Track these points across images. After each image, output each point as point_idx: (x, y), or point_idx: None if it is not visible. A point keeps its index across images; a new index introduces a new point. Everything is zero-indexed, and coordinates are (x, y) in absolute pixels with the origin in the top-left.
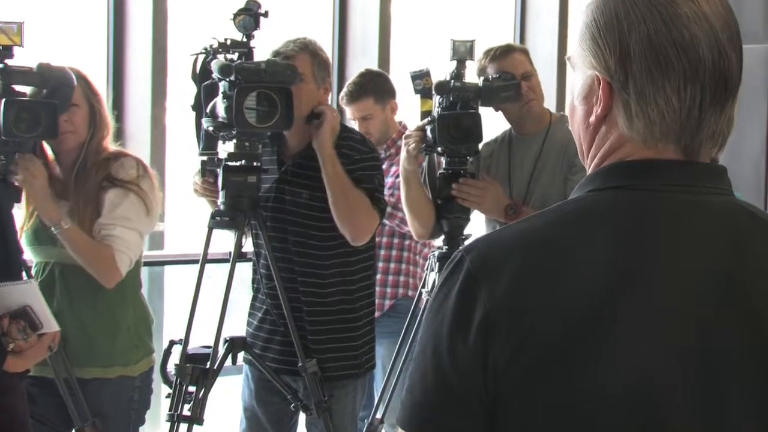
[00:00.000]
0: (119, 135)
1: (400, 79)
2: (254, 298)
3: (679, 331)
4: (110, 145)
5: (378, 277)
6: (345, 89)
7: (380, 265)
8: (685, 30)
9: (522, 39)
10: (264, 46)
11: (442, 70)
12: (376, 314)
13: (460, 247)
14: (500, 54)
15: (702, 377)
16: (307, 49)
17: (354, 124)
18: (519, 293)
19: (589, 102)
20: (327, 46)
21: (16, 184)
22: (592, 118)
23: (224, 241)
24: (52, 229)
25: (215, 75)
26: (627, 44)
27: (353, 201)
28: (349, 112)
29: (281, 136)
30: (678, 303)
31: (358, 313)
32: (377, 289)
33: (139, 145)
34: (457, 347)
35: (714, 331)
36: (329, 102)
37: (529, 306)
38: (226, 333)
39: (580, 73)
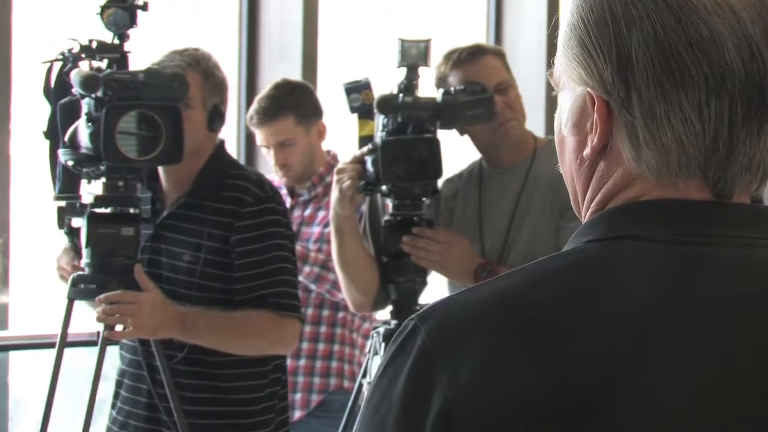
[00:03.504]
0: None
1: (330, 92)
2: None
3: (694, 419)
4: None
5: (302, 363)
6: (255, 105)
7: (305, 346)
8: (702, 25)
9: (498, 36)
10: (143, 51)
11: (387, 81)
12: (299, 414)
13: (413, 315)
14: (466, 57)
15: None
16: (198, 66)
17: (267, 156)
18: (491, 377)
19: (581, 130)
20: (233, 46)
21: None
22: (587, 151)
23: (90, 316)
24: None
25: (76, 89)
26: (627, 47)
27: (245, 336)
28: (260, 136)
29: (156, 175)
30: (692, 390)
31: (262, 417)
32: (300, 379)
33: None
34: None
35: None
36: (220, 132)
37: (506, 394)
38: None
39: (568, 92)
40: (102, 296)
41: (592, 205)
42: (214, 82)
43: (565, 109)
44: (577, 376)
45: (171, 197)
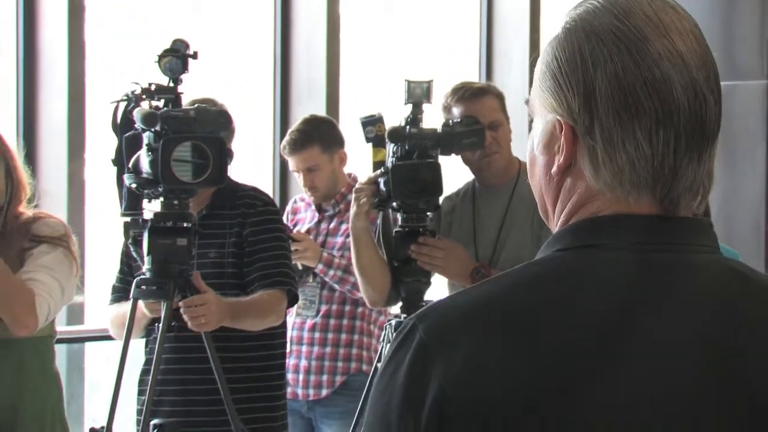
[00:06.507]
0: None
1: (350, 125)
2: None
3: (660, 407)
4: (25, 208)
5: (328, 350)
6: (287, 137)
7: (330, 336)
8: (656, 68)
9: (489, 77)
10: (194, 92)
11: (397, 115)
12: (326, 392)
13: (412, 314)
14: (470, 96)
15: None
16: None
17: (297, 179)
18: (478, 369)
19: (550, 151)
20: (268, 88)
21: None
22: (554, 169)
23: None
24: None
25: (138, 125)
26: (592, 84)
27: (264, 315)
28: (291, 163)
29: None
30: (657, 377)
31: (279, 381)
32: (326, 363)
33: (54, 205)
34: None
35: (698, 410)
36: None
37: (490, 384)
38: (156, 418)
39: (540, 118)
40: (184, 301)
41: (561, 217)
42: (231, 130)
43: (537, 132)
44: (552, 370)
45: (196, 207)
